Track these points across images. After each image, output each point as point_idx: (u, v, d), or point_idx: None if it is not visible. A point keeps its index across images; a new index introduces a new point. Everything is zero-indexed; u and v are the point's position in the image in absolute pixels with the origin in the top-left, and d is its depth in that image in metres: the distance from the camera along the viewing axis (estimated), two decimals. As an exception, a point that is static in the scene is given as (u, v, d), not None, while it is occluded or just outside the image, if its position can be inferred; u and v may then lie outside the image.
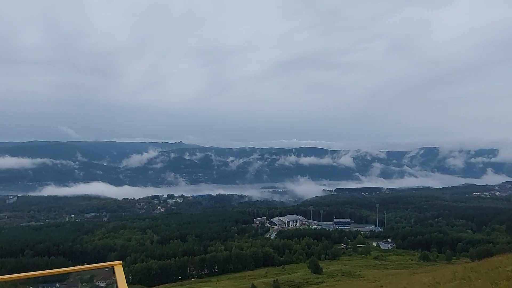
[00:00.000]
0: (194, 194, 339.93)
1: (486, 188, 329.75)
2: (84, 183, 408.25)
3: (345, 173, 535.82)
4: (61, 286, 8.37)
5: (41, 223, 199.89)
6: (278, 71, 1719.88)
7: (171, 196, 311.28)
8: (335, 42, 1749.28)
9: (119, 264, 6.72)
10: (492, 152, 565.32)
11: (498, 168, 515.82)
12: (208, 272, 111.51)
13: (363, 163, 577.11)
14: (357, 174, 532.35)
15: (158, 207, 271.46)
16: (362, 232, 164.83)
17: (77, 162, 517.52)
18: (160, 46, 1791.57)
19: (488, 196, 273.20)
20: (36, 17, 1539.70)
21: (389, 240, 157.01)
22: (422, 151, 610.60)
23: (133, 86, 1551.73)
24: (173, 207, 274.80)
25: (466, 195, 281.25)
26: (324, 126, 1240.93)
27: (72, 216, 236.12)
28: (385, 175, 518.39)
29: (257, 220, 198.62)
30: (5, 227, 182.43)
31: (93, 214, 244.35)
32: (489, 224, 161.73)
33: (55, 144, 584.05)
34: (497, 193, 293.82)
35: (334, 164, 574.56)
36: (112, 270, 6.84)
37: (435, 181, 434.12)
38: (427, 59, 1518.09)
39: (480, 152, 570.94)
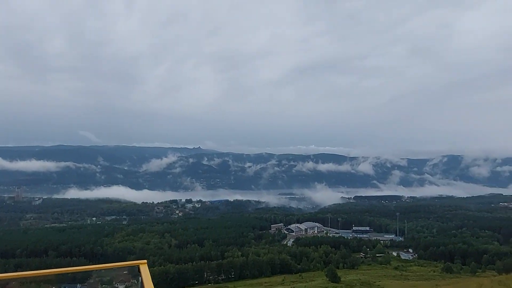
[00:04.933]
0: (212, 199, 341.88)
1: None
2: (105, 186, 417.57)
3: (363, 180, 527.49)
4: (82, 287, 8.46)
5: (64, 225, 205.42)
6: (296, 76, 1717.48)
7: (189, 201, 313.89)
8: (354, 46, 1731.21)
9: (144, 263, 6.72)
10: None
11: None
12: (224, 277, 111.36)
13: (383, 171, 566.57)
14: (375, 182, 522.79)
15: (176, 212, 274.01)
16: (382, 241, 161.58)
17: (98, 166, 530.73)
18: (179, 53, 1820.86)
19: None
20: (61, 26, 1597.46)
21: (410, 250, 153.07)
22: (445, 159, 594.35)
23: (152, 92, 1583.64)
24: (191, 212, 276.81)
25: (492, 205, 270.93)
26: (343, 133, 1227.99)
27: (94, 218, 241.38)
28: (405, 183, 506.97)
29: (274, 227, 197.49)
30: (30, 228, 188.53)
31: (113, 217, 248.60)
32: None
33: (78, 148, 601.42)
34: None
35: (353, 171, 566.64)
36: (133, 271, 6.85)
37: (458, 190, 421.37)
38: (450, 63, 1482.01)
39: (507, 161, 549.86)
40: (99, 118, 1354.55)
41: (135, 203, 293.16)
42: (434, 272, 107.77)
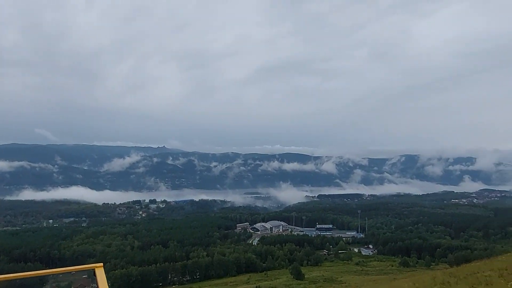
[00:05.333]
0: (177, 199, 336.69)
1: (463, 195, 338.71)
2: (63, 187, 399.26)
3: (327, 179, 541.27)
4: (37, 293, 8.10)
5: (18, 228, 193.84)
6: (262, 76, 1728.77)
7: (153, 201, 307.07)
8: (319, 48, 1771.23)
9: (100, 267, 6.54)
10: (470, 160, 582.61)
11: (475, 175, 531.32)
12: (189, 278, 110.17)
13: (345, 170, 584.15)
14: (338, 180, 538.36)
15: (140, 212, 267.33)
16: (344, 238, 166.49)
17: (56, 166, 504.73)
18: (143, 49, 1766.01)
19: (466, 203, 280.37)
20: (14, 17, 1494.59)
21: (370, 246, 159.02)
22: (403, 159, 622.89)
23: (115, 89, 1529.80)
24: (155, 212, 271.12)
25: (445, 202, 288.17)
26: (307, 133, 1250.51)
27: (50, 221, 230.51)
28: (366, 181, 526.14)
29: (239, 226, 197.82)
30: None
31: (71, 219, 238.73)
32: (466, 231, 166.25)
33: (34, 147, 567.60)
34: (475, 200, 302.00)
35: (317, 170, 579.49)
36: (91, 275, 6.67)
37: (414, 187, 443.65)
38: (409, 68, 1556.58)
39: (458, 160, 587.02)
40: (57, 115, 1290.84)
41: (95, 204, 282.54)
42: (392, 266, 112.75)
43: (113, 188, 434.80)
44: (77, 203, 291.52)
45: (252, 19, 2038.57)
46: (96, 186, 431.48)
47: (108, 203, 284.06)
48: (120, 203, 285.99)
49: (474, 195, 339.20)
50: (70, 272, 7.14)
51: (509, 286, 11.98)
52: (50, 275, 7.32)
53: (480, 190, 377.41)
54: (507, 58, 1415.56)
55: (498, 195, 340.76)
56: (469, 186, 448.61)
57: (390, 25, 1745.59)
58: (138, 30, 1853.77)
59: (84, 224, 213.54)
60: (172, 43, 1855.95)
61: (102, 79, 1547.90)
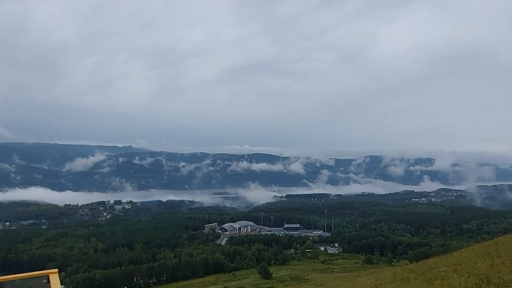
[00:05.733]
0: (143, 200, 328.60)
1: (423, 194, 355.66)
2: (21, 188, 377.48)
3: (295, 179, 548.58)
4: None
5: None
6: (231, 76, 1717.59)
7: (118, 202, 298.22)
8: (287, 50, 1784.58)
9: (54, 273, 6.38)
10: (429, 161, 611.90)
11: (434, 176, 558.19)
12: (156, 280, 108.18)
13: (312, 170, 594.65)
14: (306, 181, 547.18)
15: (104, 214, 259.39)
16: (311, 237, 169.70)
17: (13, 165, 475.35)
18: (109, 45, 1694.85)
19: (425, 202, 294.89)
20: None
21: (336, 245, 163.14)
22: (367, 159, 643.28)
23: (78, 86, 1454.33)
24: (120, 214, 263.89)
25: (406, 201, 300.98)
26: (276, 133, 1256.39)
27: (7, 223, 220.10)
28: (333, 181, 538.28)
29: (208, 226, 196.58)
30: None
31: (30, 221, 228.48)
32: (425, 228, 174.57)
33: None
34: (433, 199, 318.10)
35: (285, 170, 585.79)
36: (48, 281, 6.50)
37: (378, 187, 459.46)
38: (374, 72, 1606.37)
39: (418, 161, 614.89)
40: (15, 112, 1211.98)
41: (56, 206, 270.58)
42: (357, 263, 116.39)
43: (75, 189, 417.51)
44: (36, 204, 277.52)
45: (221, 19, 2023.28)
46: (57, 186, 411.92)
47: (70, 205, 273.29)
48: (83, 204, 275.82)
49: (433, 194, 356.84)
50: (23, 279, 6.89)
51: (462, 280, 12.75)
52: (6, 281, 7.01)
53: (438, 189, 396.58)
54: (464, 65, 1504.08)
55: (454, 194, 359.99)
56: (428, 185, 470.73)
57: (356, 30, 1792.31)
58: (104, 25, 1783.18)
59: (44, 227, 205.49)
60: (139, 40, 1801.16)
61: (65, 75, 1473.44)
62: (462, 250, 26.20)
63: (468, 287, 11.50)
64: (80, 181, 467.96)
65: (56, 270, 6.51)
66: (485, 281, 11.42)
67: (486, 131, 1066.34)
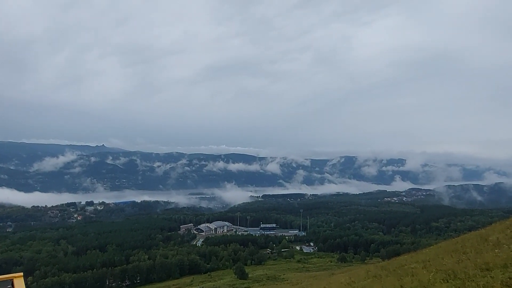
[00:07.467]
0: (117, 201, 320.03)
1: (395, 194, 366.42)
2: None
3: (271, 179, 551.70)
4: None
5: None
6: (208, 76, 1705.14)
7: (90, 203, 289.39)
8: (265, 50, 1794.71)
9: (19, 277, 6.22)
10: (401, 161, 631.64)
11: (405, 176, 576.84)
12: (129, 283, 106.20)
13: (289, 170, 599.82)
14: (282, 181, 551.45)
15: (75, 215, 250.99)
16: (287, 237, 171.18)
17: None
18: (81, 41, 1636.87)
19: (397, 201, 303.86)
20: None
21: (311, 244, 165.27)
22: (342, 160, 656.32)
23: (48, 82, 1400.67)
24: (92, 215, 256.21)
25: (378, 200, 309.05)
26: (253, 133, 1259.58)
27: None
28: (308, 181, 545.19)
29: (183, 227, 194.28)
30: None
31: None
32: (397, 227, 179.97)
33: None
34: (404, 199, 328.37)
35: (261, 171, 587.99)
36: (12, 285, 6.33)
37: (352, 187, 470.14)
38: (349, 74, 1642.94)
39: (390, 162, 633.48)
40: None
41: (23, 207, 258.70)
42: (331, 262, 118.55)
43: (44, 190, 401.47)
44: (1, 206, 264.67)
45: (199, 17, 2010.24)
46: (24, 187, 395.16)
47: (38, 206, 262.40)
48: (52, 206, 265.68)
49: (404, 193, 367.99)
50: None
51: (430, 276, 13.35)
52: None
53: (409, 189, 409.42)
54: (434, 69, 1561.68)
55: (424, 193, 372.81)
56: (400, 185, 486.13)
57: (333, 32, 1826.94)
58: (76, 19, 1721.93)
59: (9, 229, 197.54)
60: (113, 36, 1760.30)
61: (33, 71, 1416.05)
62: (431, 247, 27.26)
63: (436, 283, 12.07)
64: (49, 182, 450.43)
65: (21, 273, 6.35)
66: (451, 276, 12.04)
67: (454, 133, 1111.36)
